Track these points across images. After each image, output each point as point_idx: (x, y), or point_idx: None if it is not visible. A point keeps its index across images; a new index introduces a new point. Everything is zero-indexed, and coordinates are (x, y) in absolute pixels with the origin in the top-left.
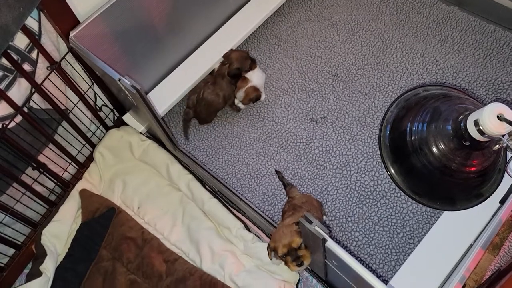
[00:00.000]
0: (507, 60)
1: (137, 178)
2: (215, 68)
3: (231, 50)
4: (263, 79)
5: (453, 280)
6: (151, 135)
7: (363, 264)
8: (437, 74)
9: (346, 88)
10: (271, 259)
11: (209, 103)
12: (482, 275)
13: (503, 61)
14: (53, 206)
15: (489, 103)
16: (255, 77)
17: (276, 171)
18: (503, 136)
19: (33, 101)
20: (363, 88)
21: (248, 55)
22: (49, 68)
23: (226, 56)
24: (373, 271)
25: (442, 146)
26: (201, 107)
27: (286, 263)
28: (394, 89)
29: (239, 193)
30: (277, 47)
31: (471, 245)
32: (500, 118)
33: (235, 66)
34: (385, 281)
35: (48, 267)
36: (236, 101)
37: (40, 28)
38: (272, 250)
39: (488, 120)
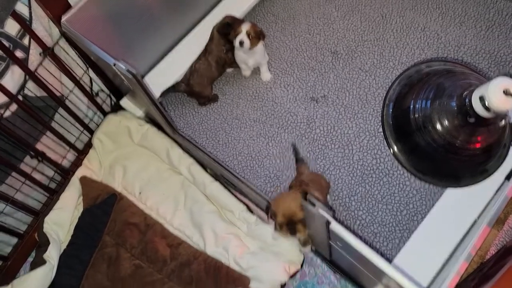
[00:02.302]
0: (510, 31)
1: (137, 163)
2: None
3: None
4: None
5: (459, 259)
6: (150, 119)
7: (367, 243)
8: (438, 48)
9: (346, 66)
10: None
11: (202, 73)
12: (486, 250)
13: (506, 33)
14: (53, 194)
15: (493, 77)
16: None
17: (292, 144)
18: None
19: (28, 88)
20: (364, 65)
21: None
22: (42, 54)
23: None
24: (377, 250)
25: (446, 123)
26: (194, 79)
27: (280, 228)
28: (395, 65)
29: (241, 175)
30: (274, 25)
31: (475, 221)
32: (506, 93)
33: (225, 20)
34: (389, 260)
35: (52, 255)
36: (239, 38)
37: (30, 13)
38: (272, 214)
39: (494, 95)
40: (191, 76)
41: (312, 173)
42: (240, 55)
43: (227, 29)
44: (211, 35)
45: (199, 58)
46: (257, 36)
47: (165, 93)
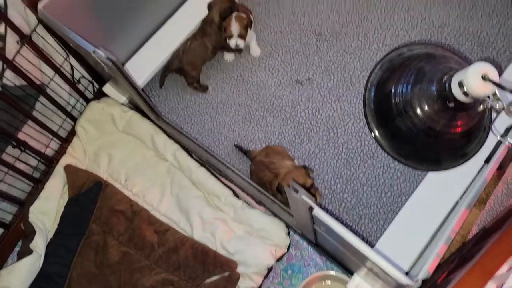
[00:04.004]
0: (493, 11)
1: (122, 150)
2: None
3: None
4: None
5: (439, 242)
6: (134, 106)
7: (352, 225)
8: (422, 30)
9: (330, 48)
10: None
11: (195, 54)
12: (468, 229)
13: (489, 13)
14: (38, 183)
15: (474, 60)
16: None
17: (235, 145)
18: (488, 97)
19: (6, 78)
20: (348, 47)
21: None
22: (19, 42)
23: (211, 3)
24: (362, 232)
25: (426, 108)
26: (187, 57)
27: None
28: (379, 47)
29: (226, 160)
30: (258, 7)
31: (457, 202)
32: (484, 78)
33: (226, 5)
34: (372, 244)
35: (38, 245)
36: (233, 42)
37: (5, 0)
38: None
39: (473, 80)
40: (184, 54)
41: (261, 150)
42: None
43: (228, 12)
44: (209, 17)
45: (195, 38)
46: (247, 30)
47: (162, 80)
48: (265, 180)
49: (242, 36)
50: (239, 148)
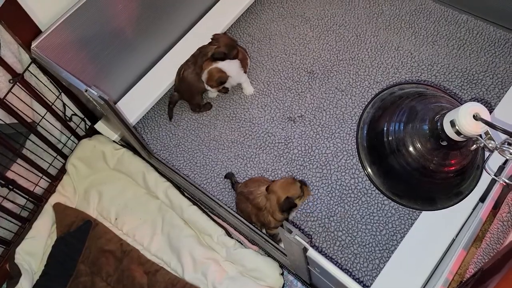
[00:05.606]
0: (481, 50)
1: (113, 188)
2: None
3: (224, 33)
4: (238, 72)
5: (437, 284)
6: (125, 143)
7: (347, 264)
8: (412, 67)
9: (322, 85)
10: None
11: (190, 83)
12: (465, 268)
13: (477, 51)
14: (26, 223)
15: (464, 98)
16: (226, 66)
17: (225, 176)
18: (480, 135)
19: None
20: (339, 84)
21: (237, 45)
22: (11, 81)
23: (216, 38)
24: (357, 271)
25: (419, 146)
26: (183, 87)
27: (304, 194)
28: (370, 84)
29: (218, 198)
30: (250, 45)
31: (453, 240)
32: (476, 118)
33: (222, 50)
34: (371, 281)
35: (24, 287)
36: (205, 86)
37: None
38: (291, 197)
39: (464, 120)
40: (180, 84)
41: (241, 185)
42: None
43: (222, 56)
44: (206, 49)
45: (187, 65)
46: (218, 85)
47: (170, 113)
48: (248, 211)
49: (212, 86)
50: (229, 177)
